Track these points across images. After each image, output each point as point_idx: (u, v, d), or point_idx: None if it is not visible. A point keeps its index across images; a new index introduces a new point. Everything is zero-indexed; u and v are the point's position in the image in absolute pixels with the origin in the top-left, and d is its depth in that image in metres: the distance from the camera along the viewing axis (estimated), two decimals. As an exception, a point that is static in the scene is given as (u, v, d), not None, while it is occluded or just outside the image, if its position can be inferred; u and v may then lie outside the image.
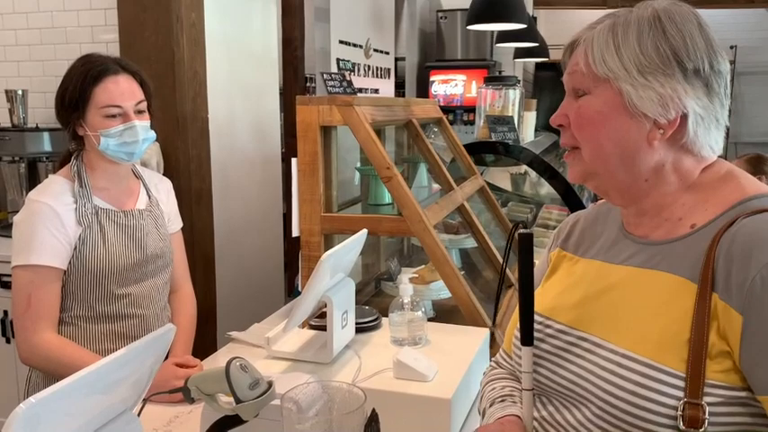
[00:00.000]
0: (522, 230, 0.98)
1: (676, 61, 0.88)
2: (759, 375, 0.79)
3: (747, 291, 0.79)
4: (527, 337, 0.98)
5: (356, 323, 1.69)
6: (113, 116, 1.62)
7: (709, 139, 0.91)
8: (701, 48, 0.88)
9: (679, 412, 0.81)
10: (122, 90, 1.63)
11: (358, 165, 2.55)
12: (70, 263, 1.62)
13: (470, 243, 2.47)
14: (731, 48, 8.03)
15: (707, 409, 0.80)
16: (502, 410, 1.05)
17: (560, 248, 1.10)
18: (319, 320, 1.70)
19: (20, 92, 3.08)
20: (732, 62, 8.01)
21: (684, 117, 0.89)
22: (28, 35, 3.15)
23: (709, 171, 0.93)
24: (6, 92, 3.08)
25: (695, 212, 0.91)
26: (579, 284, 1.00)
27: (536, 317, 1.01)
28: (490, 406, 1.08)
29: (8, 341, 2.81)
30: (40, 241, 1.56)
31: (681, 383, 0.82)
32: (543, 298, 1.05)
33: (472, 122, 5.78)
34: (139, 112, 1.67)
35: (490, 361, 1.26)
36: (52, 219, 1.57)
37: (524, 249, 0.97)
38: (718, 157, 0.96)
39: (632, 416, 0.85)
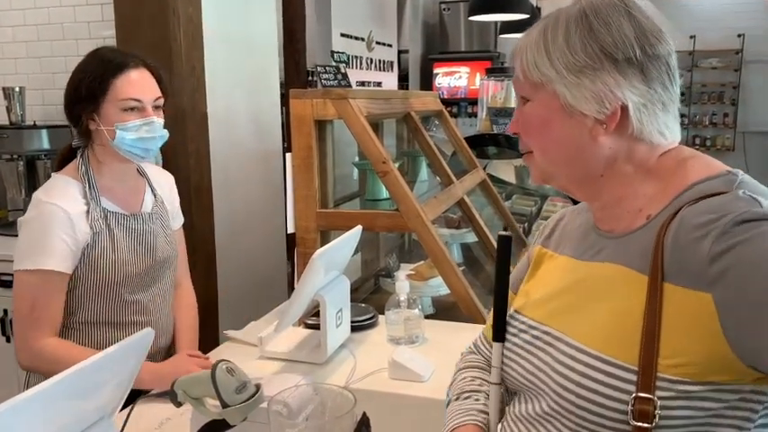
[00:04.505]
0: (501, 233, 1.01)
1: (604, 54, 0.87)
2: (750, 345, 0.76)
3: (708, 267, 0.77)
4: (498, 334, 1.01)
5: (352, 321, 1.67)
6: (131, 109, 1.55)
7: (658, 125, 0.90)
8: (630, 35, 0.87)
9: (629, 407, 0.80)
10: (142, 83, 1.57)
11: (356, 159, 2.51)
12: (77, 268, 1.56)
13: (471, 237, 2.44)
14: (738, 36, 7.93)
15: (658, 403, 0.79)
16: (461, 415, 1.05)
17: (541, 246, 1.09)
18: (315, 319, 1.67)
19: (17, 89, 3.05)
20: (739, 51, 7.92)
21: (625, 108, 0.88)
22: (25, 32, 3.13)
23: (666, 157, 0.92)
24: (3, 89, 3.06)
25: (653, 203, 0.90)
26: (551, 281, 1.01)
27: (512, 312, 1.03)
28: (455, 399, 1.09)
29: (8, 340, 2.79)
30: (50, 245, 1.50)
31: (632, 377, 0.81)
32: (522, 295, 1.06)
33: (476, 115, 5.74)
34: (156, 107, 1.61)
35: (470, 345, 1.25)
36: (63, 222, 1.51)
37: (502, 250, 1.01)
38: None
39: (584, 409, 0.84)
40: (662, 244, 0.83)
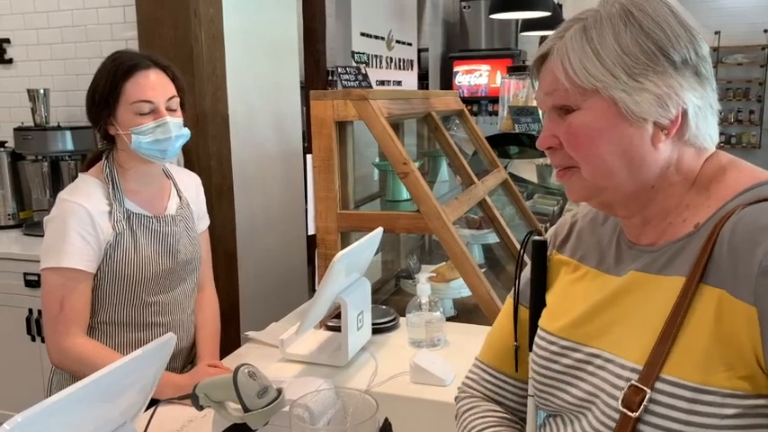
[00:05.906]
0: (536, 238, 0.92)
1: (663, 55, 0.81)
2: None
3: (756, 279, 0.73)
4: (531, 344, 0.98)
5: (373, 324, 1.66)
6: (145, 112, 1.56)
7: (708, 129, 0.87)
8: (683, 36, 0.83)
9: (621, 391, 0.80)
10: (153, 85, 1.57)
11: (377, 160, 2.50)
12: (100, 268, 1.57)
13: (493, 238, 2.42)
14: (765, 32, 7.80)
15: (648, 396, 0.77)
16: None
17: (557, 251, 1.03)
18: (336, 321, 1.66)
19: (42, 91, 3.09)
20: (765, 47, 7.79)
21: (685, 112, 0.84)
22: (49, 34, 3.16)
23: (709, 164, 0.88)
24: (28, 91, 3.09)
25: (699, 212, 0.85)
26: (582, 298, 0.94)
27: (543, 334, 0.96)
28: None
29: (33, 339, 2.83)
30: (70, 243, 1.51)
31: (687, 394, 0.76)
32: (548, 312, 0.99)
33: (497, 113, 5.71)
34: (171, 108, 1.61)
35: (462, 386, 1.13)
36: (84, 220, 1.53)
37: (537, 259, 0.93)
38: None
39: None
40: (713, 243, 0.78)
